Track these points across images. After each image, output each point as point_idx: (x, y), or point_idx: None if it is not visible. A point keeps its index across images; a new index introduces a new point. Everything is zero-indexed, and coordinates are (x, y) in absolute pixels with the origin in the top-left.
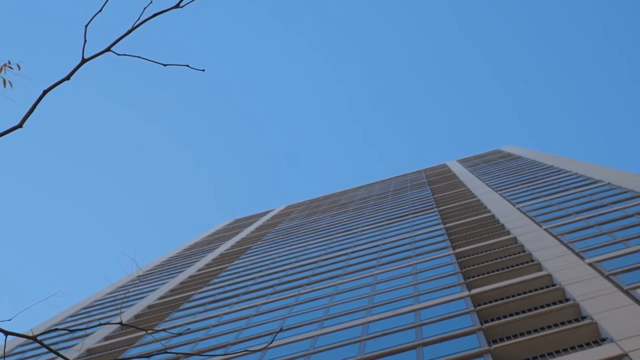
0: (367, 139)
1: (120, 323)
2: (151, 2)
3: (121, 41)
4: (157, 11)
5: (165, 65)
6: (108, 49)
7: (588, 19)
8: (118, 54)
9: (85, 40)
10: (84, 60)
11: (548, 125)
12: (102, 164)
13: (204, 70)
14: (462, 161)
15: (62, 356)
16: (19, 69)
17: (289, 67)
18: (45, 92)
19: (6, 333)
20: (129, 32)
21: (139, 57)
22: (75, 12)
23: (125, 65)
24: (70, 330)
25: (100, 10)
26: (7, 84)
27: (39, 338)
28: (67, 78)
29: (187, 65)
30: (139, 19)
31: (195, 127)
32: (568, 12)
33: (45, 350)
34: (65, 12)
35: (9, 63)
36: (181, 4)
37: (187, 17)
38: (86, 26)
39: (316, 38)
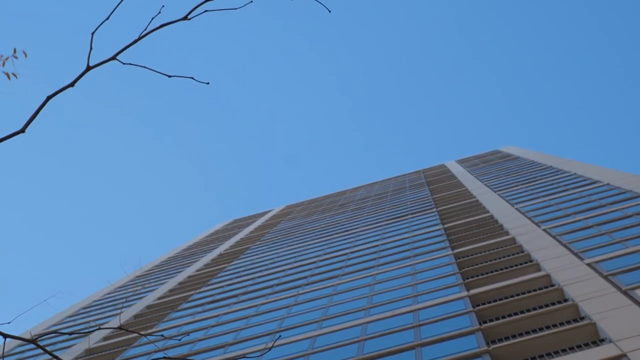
0: (366, 139)
1: (119, 328)
2: (159, 12)
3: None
4: (164, 22)
5: (170, 76)
6: (114, 58)
7: (586, 19)
8: (123, 63)
9: (91, 48)
10: (88, 68)
11: (547, 126)
12: (101, 166)
13: (208, 84)
14: (461, 161)
15: (58, 358)
16: (25, 56)
17: (288, 68)
18: (48, 98)
19: (5, 336)
20: (135, 41)
21: (144, 67)
22: (79, 15)
23: (126, 69)
24: (69, 334)
25: (107, 18)
26: (12, 76)
27: (38, 341)
28: (72, 85)
29: (192, 78)
30: (145, 29)
31: (195, 128)
32: (566, 12)
33: (42, 351)
34: (71, 15)
35: (15, 52)
36: (189, 17)
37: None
38: (93, 33)
39: (315, 39)
